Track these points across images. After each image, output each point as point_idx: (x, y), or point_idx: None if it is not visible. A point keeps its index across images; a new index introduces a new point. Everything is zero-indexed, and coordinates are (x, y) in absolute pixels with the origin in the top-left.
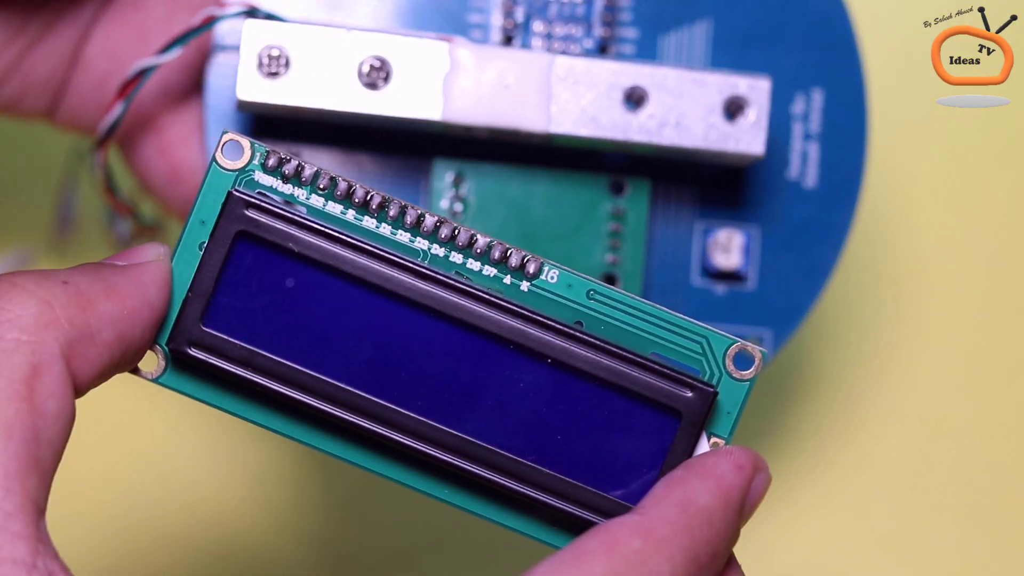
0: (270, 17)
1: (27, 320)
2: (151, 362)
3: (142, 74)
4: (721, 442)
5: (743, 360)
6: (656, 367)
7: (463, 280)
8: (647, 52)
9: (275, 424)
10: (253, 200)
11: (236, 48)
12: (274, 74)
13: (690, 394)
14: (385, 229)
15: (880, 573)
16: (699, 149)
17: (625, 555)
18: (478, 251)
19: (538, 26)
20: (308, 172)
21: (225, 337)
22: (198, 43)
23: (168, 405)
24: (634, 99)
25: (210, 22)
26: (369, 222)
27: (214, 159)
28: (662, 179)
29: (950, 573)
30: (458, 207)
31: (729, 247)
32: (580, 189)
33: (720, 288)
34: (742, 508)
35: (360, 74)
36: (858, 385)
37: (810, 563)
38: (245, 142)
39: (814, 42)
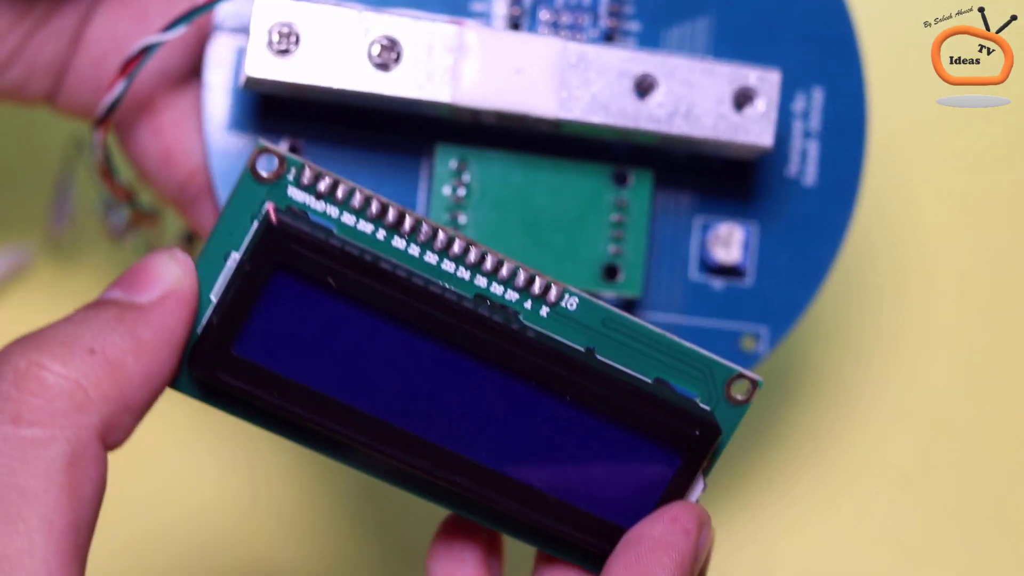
0: None
1: (60, 406)
2: None
3: (145, 52)
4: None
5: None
6: (664, 404)
7: (487, 314)
8: (650, 45)
9: (297, 440)
10: (292, 232)
11: (237, 30)
12: (284, 51)
13: (697, 433)
14: (414, 250)
15: (880, 574)
16: (708, 139)
17: None
18: (503, 276)
19: (544, 15)
20: (342, 190)
21: (255, 363)
22: (198, 25)
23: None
24: (644, 87)
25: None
26: (399, 242)
27: (247, 170)
28: (664, 171)
29: (950, 573)
30: (461, 192)
31: (730, 241)
32: (583, 178)
33: (717, 283)
34: (694, 567)
35: (370, 54)
36: (858, 385)
37: (809, 563)
38: (280, 154)
39: (815, 40)
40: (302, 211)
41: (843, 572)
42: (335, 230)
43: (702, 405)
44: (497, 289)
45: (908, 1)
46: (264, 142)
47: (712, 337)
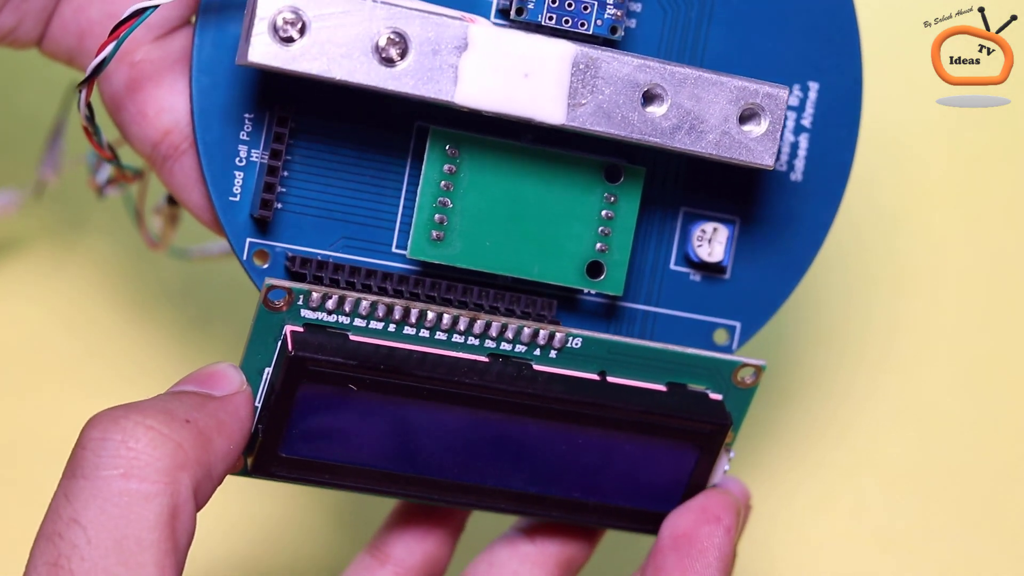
0: None
1: (165, 463)
2: None
3: (136, 15)
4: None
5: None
6: (675, 408)
7: (503, 369)
8: (649, 27)
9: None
10: (308, 356)
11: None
12: (288, 39)
13: (709, 429)
14: (424, 333)
15: (878, 572)
16: (711, 156)
17: None
18: (509, 337)
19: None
20: (349, 304)
21: (302, 458)
22: None
23: None
24: (651, 98)
25: None
26: (409, 330)
27: (261, 303)
28: (656, 163)
29: (948, 572)
30: (451, 176)
31: (714, 240)
32: (574, 171)
33: (696, 275)
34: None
35: (376, 48)
36: (855, 384)
37: (808, 562)
38: (287, 287)
39: (816, 34)
40: (319, 325)
41: (841, 570)
42: (350, 334)
43: (713, 396)
44: (506, 346)
45: (908, 1)
46: (271, 280)
47: (685, 328)
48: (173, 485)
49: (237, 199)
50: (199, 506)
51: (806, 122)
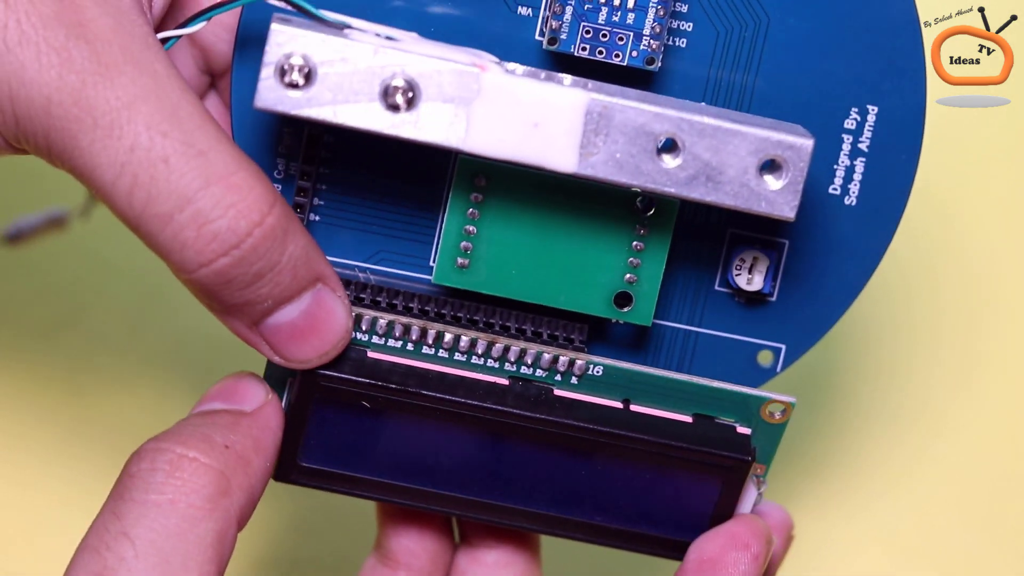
0: (300, 8)
1: (210, 491)
2: None
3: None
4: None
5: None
6: (699, 441)
7: (522, 392)
8: (701, 47)
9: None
10: (324, 373)
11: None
12: (295, 85)
13: (730, 463)
14: (443, 353)
15: (878, 572)
16: (728, 206)
17: None
18: (528, 362)
19: (585, 31)
20: (366, 322)
21: (321, 468)
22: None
23: None
24: (667, 147)
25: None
26: (428, 349)
27: None
28: None
29: (948, 571)
30: (479, 204)
31: (753, 270)
32: (605, 201)
33: (740, 297)
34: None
35: (385, 94)
36: (856, 384)
37: (809, 562)
38: None
39: (877, 55)
40: None
41: (841, 569)
42: (369, 351)
43: (740, 430)
44: (526, 371)
45: None
46: None
47: (729, 348)
48: (220, 511)
49: None
50: (240, 527)
51: (863, 146)
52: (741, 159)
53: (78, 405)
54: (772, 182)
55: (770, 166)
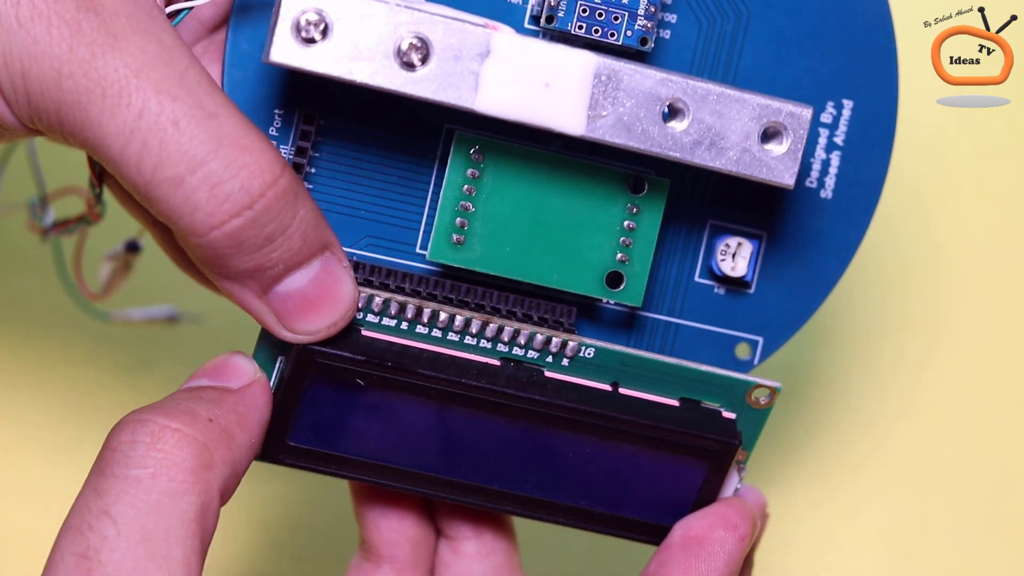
0: None
1: (192, 463)
2: None
3: (172, 16)
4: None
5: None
6: (685, 424)
7: (514, 373)
8: (684, 39)
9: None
10: (318, 350)
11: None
12: (310, 40)
13: (716, 447)
14: (437, 332)
15: (878, 571)
16: (730, 172)
17: None
18: (521, 343)
19: (582, 8)
20: (362, 300)
21: (309, 448)
22: None
23: None
24: (672, 113)
25: None
26: (422, 328)
27: None
28: (684, 176)
29: (948, 571)
30: (474, 180)
31: (738, 255)
32: (598, 180)
33: (720, 289)
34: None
35: (398, 52)
36: (855, 384)
37: (808, 562)
38: None
39: (853, 52)
40: None
41: (840, 569)
42: (363, 329)
43: (726, 415)
44: (519, 352)
45: (908, 1)
46: None
47: (707, 340)
48: (201, 484)
49: None
50: (224, 501)
51: (838, 140)
52: (744, 124)
53: (80, 404)
54: (774, 148)
55: (771, 135)
